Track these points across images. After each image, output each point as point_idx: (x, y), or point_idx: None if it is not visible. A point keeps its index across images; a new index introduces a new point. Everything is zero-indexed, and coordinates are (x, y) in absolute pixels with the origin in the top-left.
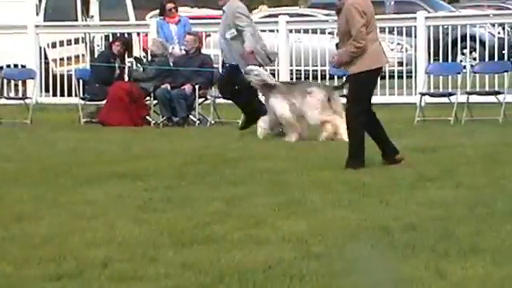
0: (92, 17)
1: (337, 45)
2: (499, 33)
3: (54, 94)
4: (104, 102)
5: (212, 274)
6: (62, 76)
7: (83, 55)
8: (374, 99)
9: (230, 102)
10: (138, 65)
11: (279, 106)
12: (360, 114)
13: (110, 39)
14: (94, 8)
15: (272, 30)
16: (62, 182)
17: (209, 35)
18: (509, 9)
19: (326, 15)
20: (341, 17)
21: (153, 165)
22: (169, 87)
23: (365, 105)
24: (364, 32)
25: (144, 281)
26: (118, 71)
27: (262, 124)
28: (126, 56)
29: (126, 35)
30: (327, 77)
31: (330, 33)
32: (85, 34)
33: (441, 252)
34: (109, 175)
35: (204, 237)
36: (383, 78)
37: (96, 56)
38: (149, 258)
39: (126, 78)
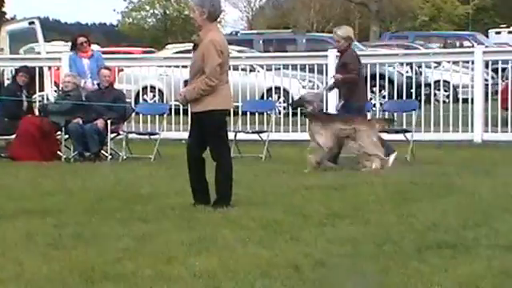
0: (2, 49)
1: (185, 82)
2: (407, 72)
3: None
4: (13, 136)
5: None
6: None
7: None
8: (287, 135)
9: (142, 137)
10: (55, 92)
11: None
12: (227, 153)
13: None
14: (5, 41)
15: (185, 66)
16: None
17: (121, 70)
18: (417, 48)
19: (239, 51)
20: (197, 53)
21: (63, 201)
22: (81, 122)
23: (227, 142)
24: (218, 71)
25: None
26: (25, 104)
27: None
28: (37, 89)
29: (37, 69)
30: (239, 113)
31: (242, 69)
32: None
33: None
34: (17, 211)
35: (114, 274)
36: (295, 114)
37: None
38: None
39: (37, 112)
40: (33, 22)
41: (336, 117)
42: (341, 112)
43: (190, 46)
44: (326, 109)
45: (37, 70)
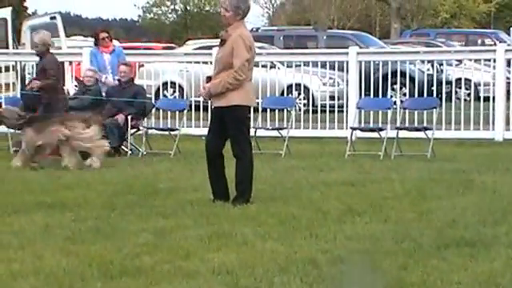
0: (23, 44)
1: (208, 78)
2: (428, 69)
3: None
4: None
5: None
6: None
7: (13, 83)
8: (306, 132)
9: (162, 133)
10: (76, 87)
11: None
12: (249, 149)
13: None
14: (26, 36)
15: (205, 62)
16: None
17: (142, 65)
18: (438, 46)
19: (260, 47)
20: (224, 48)
21: (82, 195)
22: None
23: (249, 139)
24: (246, 66)
25: None
26: None
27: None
28: None
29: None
30: (260, 109)
31: (263, 65)
32: (16, 61)
33: (368, 285)
34: (37, 205)
35: (133, 269)
36: (315, 111)
37: (26, 84)
38: None
39: None
40: (54, 17)
41: (53, 120)
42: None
43: (210, 42)
44: (347, 105)
45: None
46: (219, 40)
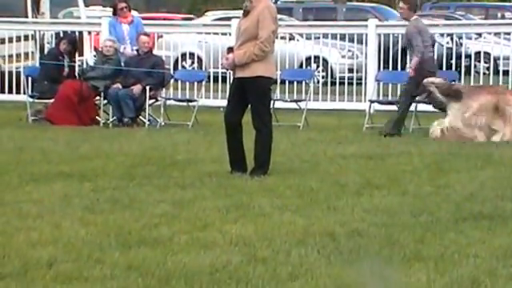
0: (43, 14)
1: (229, 49)
2: (448, 43)
3: (2, 91)
4: (52, 100)
5: (158, 277)
6: (10, 73)
7: (32, 52)
8: (325, 105)
9: (180, 104)
10: (94, 57)
11: None
12: (269, 121)
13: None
14: (45, 5)
15: (224, 33)
16: (7, 180)
17: (161, 36)
18: (457, 19)
19: (278, 19)
20: (248, 19)
21: (101, 165)
22: (120, 87)
23: (270, 111)
24: (272, 38)
25: (89, 282)
26: (66, 69)
27: None
28: (77, 54)
29: (76, 33)
30: (278, 81)
31: (281, 37)
32: (35, 31)
33: (385, 258)
34: (56, 175)
35: (151, 239)
36: (333, 84)
37: (45, 54)
38: (94, 259)
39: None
40: None
41: None
42: None
43: (229, 13)
44: (365, 78)
45: (77, 34)
46: (242, 11)
